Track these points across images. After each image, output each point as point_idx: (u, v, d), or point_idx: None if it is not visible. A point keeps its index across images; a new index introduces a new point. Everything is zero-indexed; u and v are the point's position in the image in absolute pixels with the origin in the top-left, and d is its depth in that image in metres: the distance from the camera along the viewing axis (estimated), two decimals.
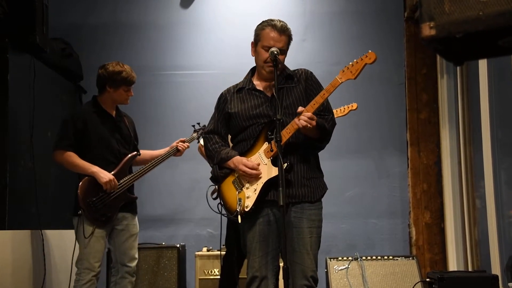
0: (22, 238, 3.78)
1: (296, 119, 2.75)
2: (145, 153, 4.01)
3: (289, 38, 2.96)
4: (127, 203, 3.78)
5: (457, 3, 1.42)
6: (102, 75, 3.79)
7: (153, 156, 3.97)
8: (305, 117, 2.71)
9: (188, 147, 4.07)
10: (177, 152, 4.01)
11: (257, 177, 2.84)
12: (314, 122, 2.72)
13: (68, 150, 3.68)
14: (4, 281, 3.53)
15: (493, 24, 1.36)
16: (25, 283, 3.79)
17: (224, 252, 3.93)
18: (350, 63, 2.75)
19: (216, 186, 3.48)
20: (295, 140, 2.87)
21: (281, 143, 2.73)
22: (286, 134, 2.79)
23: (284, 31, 2.92)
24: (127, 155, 3.83)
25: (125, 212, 3.78)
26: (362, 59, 2.72)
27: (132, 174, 3.81)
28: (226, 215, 2.99)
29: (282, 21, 2.96)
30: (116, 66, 3.78)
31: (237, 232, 3.67)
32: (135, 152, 3.89)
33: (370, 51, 2.71)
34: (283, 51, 2.93)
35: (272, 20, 2.95)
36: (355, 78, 2.73)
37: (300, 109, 2.76)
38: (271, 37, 2.89)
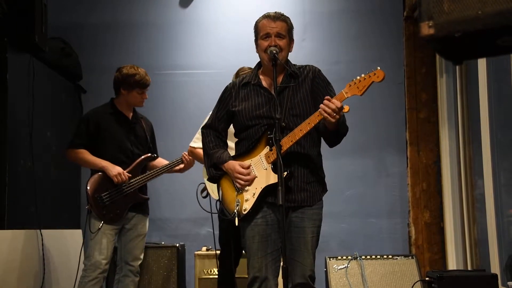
0: (21, 238, 3.77)
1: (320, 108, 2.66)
2: (160, 161, 4.04)
3: (287, 24, 2.92)
4: (138, 203, 3.84)
5: (456, 2, 1.42)
6: (117, 78, 3.88)
7: (163, 164, 4.00)
8: (333, 105, 2.61)
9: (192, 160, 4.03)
10: (181, 163, 3.99)
11: (252, 181, 2.83)
12: (338, 116, 2.63)
13: (79, 148, 3.78)
14: (3, 281, 3.53)
15: (492, 23, 1.36)
16: (25, 282, 3.79)
17: (219, 251, 3.93)
18: (358, 77, 2.65)
19: (205, 184, 3.67)
20: (298, 146, 2.83)
21: (281, 150, 2.70)
22: (288, 141, 2.75)
23: (278, 17, 2.91)
24: (141, 156, 3.88)
25: (136, 212, 3.84)
26: (370, 76, 2.63)
27: (144, 175, 3.85)
28: (220, 214, 2.97)
29: (278, 11, 2.95)
30: (130, 69, 3.87)
31: (232, 230, 3.68)
32: (149, 154, 3.94)
33: (378, 68, 2.61)
34: (281, 35, 2.88)
35: (267, 12, 2.95)
36: (361, 95, 2.67)
37: (327, 98, 2.66)
38: (266, 25, 2.89)
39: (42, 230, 3.94)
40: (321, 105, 2.65)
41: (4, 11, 3.74)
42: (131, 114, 3.95)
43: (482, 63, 3.90)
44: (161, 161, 4.04)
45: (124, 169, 3.75)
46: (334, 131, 2.80)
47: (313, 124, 2.72)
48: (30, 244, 3.88)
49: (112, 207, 3.70)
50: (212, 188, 3.82)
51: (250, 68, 3.86)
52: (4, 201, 3.67)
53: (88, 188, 3.68)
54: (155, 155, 4.00)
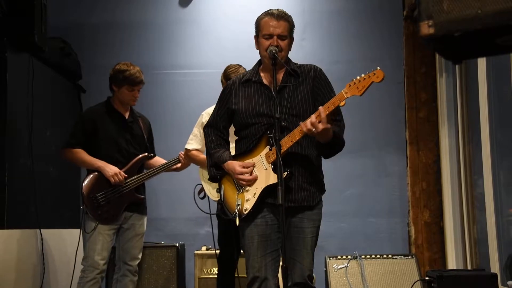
0: (21, 237, 3.77)
1: (303, 123, 2.68)
2: (157, 160, 4.02)
3: (290, 24, 2.90)
4: (134, 203, 3.81)
5: (455, 1, 1.42)
6: (110, 74, 3.86)
7: (160, 164, 3.98)
8: (314, 119, 2.63)
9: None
10: (178, 162, 3.97)
11: (255, 180, 2.83)
12: (320, 126, 2.63)
13: (75, 148, 3.76)
14: (3, 280, 3.53)
15: (491, 23, 1.36)
16: (24, 282, 3.79)
17: (219, 252, 3.92)
18: (358, 77, 2.65)
19: (202, 185, 3.73)
20: (298, 146, 2.82)
21: (282, 150, 2.70)
22: (288, 141, 2.73)
23: (282, 17, 2.88)
24: (137, 155, 3.84)
25: (133, 212, 3.81)
26: (369, 77, 2.61)
27: (140, 175, 3.83)
28: (221, 214, 2.97)
29: (281, 9, 2.93)
30: (123, 65, 3.83)
31: (232, 230, 3.67)
32: (146, 153, 3.91)
33: (378, 68, 2.60)
34: (283, 36, 2.87)
35: (269, 10, 2.92)
36: (361, 95, 2.66)
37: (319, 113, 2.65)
38: (269, 24, 2.86)
39: (42, 230, 3.94)
40: (301, 123, 2.69)
41: (4, 11, 3.74)
42: (128, 112, 3.91)
43: (482, 62, 3.89)
44: (158, 160, 4.02)
45: (120, 168, 3.73)
46: (326, 144, 2.79)
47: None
48: (30, 244, 3.88)
49: (108, 207, 3.67)
50: (209, 189, 3.81)
51: (239, 65, 3.86)
52: (3, 200, 3.67)
53: (84, 188, 3.66)
54: (152, 154, 3.97)
